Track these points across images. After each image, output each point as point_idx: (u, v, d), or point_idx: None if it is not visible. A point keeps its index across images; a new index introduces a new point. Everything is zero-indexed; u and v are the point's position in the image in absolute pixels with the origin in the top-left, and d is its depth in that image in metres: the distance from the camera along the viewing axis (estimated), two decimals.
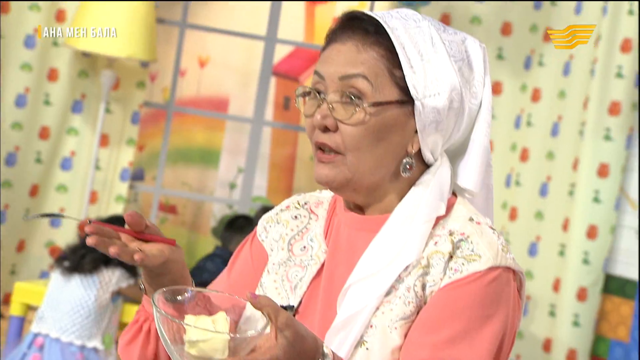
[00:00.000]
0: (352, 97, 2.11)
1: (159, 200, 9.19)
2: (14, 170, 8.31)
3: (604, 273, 8.09)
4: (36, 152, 8.39)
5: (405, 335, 2.08)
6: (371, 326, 2.09)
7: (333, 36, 2.16)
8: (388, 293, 2.10)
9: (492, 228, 2.15)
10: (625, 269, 8.09)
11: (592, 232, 8.03)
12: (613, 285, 8.11)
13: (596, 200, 8.04)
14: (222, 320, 1.93)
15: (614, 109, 8.01)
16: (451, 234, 2.13)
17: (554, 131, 8.37)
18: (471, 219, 2.16)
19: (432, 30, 2.16)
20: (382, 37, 2.12)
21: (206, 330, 1.89)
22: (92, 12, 7.94)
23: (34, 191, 8.41)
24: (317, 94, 2.14)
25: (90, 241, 2.02)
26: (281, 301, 2.23)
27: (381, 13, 2.16)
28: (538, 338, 8.33)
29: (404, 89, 2.12)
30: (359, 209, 2.21)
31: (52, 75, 8.36)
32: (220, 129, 10.51)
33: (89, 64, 8.39)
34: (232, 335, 1.89)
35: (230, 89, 10.39)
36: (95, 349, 5.96)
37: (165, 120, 8.98)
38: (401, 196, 2.18)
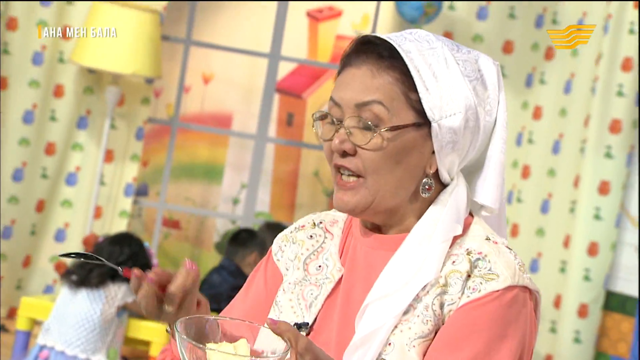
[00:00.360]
0: (368, 124, 2.10)
1: (162, 216, 9.21)
2: (21, 185, 8.35)
3: (604, 290, 8.13)
4: (42, 168, 8.42)
5: (424, 354, 2.08)
6: (389, 344, 2.09)
7: (347, 60, 2.16)
8: (406, 312, 2.10)
9: (508, 248, 2.15)
10: (626, 286, 8.12)
11: (592, 249, 8.07)
12: (614, 302, 8.14)
13: (597, 217, 8.09)
14: (243, 346, 1.92)
15: (614, 127, 8.05)
16: (469, 253, 2.12)
17: (555, 148, 8.40)
18: (488, 239, 2.16)
19: (445, 50, 2.16)
20: (397, 60, 2.12)
21: (229, 354, 1.88)
22: (101, 27, 7.96)
23: (40, 206, 8.44)
24: (332, 120, 2.13)
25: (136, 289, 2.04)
26: (296, 319, 2.23)
27: (395, 36, 2.16)
28: (540, 354, 8.31)
29: (420, 111, 2.12)
30: (377, 229, 2.21)
31: (58, 91, 8.40)
32: (224, 145, 10.52)
33: (94, 80, 8.42)
34: (254, 358, 1.89)
35: (233, 105, 10.43)
36: None
37: (170, 136, 9.03)
38: (419, 216, 2.18)
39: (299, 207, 10.56)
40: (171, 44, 8.91)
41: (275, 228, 7.40)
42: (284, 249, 2.34)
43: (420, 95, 2.09)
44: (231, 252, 7.42)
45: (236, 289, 8.34)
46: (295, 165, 10.66)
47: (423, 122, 2.10)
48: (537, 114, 8.55)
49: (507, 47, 8.65)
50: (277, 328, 1.89)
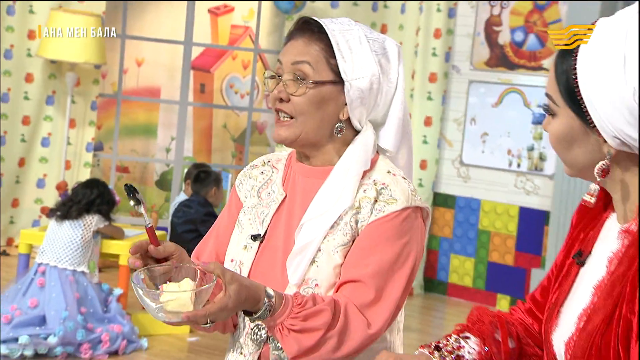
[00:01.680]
0: (299, 78, 2.09)
1: (115, 164, 9.14)
2: (5, 148, 8.27)
3: (432, 191, 8.35)
4: (21, 135, 8.34)
5: (344, 257, 2.07)
6: (319, 250, 2.07)
7: (291, 35, 2.16)
8: (332, 227, 2.07)
9: (404, 178, 2.13)
10: (447, 188, 8.37)
11: (423, 164, 8.31)
12: (439, 200, 8.40)
13: (425, 142, 8.30)
14: (186, 283, 1.87)
15: (432, 78, 8.26)
16: (375, 183, 2.10)
17: None
18: (389, 172, 2.13)
19: (360, 32, 2.13)
20: (324, 35, 2.10)
21: (173, 292, 1.85)
22: (57, 29, 7.85)
23: (21, 163, 8.38)
24: (278, 77, 2.12)
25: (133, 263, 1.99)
26: (253, 232, 2.19)
27: (325, 19, 2.15)
28: None
29: (337, 73, 2.10)
30: (307, 158, 2.19)
31: (29, 78, 8.33)
32: (156, 110, 10.37)
33: (56, 68, 8.37)
34: (192, 290, 1.85)
35: (160, 80, 10.14)
36: (82, 272, 5.86)
37: (116, 106, 8.99)
38: (338, 153, 2.15)
39: (214, 151, 10.44)
40: (111, 39, 8.73)
41: (200, 166, 7.43)
42: (243, 183, 2.29)
43: (338, 61, 2.09)
44: (196, 189, 7.27)
45: (206, 214, 8.13)
46: (208, 121, 10.52)
47: (338, 80, 2.09)
48: None
49: None
50: (207, 267, 1.90)
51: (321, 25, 2.10)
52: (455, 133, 8.32)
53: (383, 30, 8.49)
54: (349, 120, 2.13)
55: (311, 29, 2.12)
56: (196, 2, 8.95)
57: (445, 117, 8.34)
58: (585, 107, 1.59)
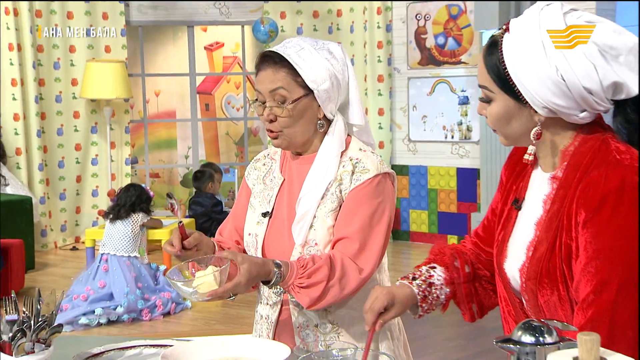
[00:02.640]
0: (280, 102, 1.99)
1: (148, 172, 9.18)
2: (64, 170, 8.38)
3: (390, 164, 8.23)
4: (75, 158, 8.43)
5: (335, 219, 2.00)
6: (315, 217, 2.00)
7: (258, 67, 2.04)
8: (322, 197, 2.00)
9: (372, 152, 2.04)
10: (401, 160, 8.34)
11: (381, 144, 8.27)
12: (396, 170, 7.68)
13: (380, 127, 8.30)
14: (209, 270, 1.82)
15: (380, 79, 8.21)
16: (351, 159, 2.01)
17: None
18: (360, 149, 2.04)
19: (309, 47, 2.00)
20: (284, 61, 1.99)
21: (200, 278, 1.81)
22: (95, 75, 7.99)
23: (78, 179, 8.46)
24: (262, 103, 2.02)
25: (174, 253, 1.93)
26: (263, 210, 2.11)
27: (279, 47, 2.03)
28: None
29: (305, 86, 1.99)
30: (299, 153, 2.10)
31: (76, 115, 8.39)
32: (174, 128, 10.39)
33: (95, 105, 8.41)
34: (214, 272, 1.79)
35: (175, 105, 10.25)
36: (135, 257, 5.84)
37: (143, 128, 9.07)
38: (320, 141, 2.06)
39: (222, 153, 10.39)
40: (134, 78, 8.79)
41: (210, 165, 7.42)
42: (250, 173, 2.21)
43: (303, 77, 1.98)
44: (197, 186, 7.31)
45: (214, 204, 8.04)
46: (214, 131, 10.48)
47: (309, 92, 2.00)
48: None
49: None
50: (222, 254, 1.85)
51: (280, 54, 2.01)
52: (402, 118, 8.32)
53: None
54: (324, 116, 2.06)
55: (273, 60, 2.01)
56: (195, 42, 8.88)
57: (393, 107, 8.35)
58: (517, 89, 1.52)
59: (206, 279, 1.79)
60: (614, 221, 1.43)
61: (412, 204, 8.39)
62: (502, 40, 1.54)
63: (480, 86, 1.59)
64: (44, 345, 1.67)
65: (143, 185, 6.48)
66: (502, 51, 1.53)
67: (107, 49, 8.40)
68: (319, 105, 2.03)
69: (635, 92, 1.51)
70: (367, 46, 8.29)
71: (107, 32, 8.38)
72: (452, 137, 8.05)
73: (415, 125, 8.29)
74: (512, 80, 1.52)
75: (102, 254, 5.84)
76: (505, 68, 1.52)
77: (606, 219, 1.44)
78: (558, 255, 1.51)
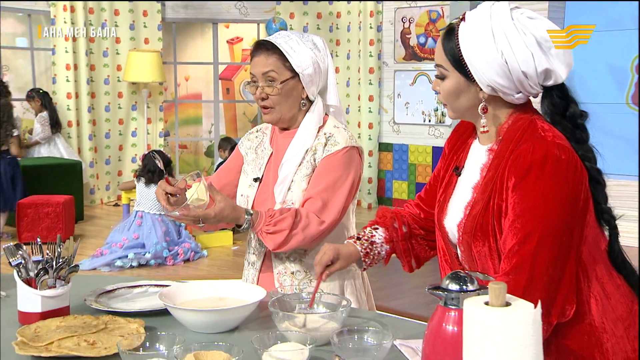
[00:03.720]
0: (270, 81, 1.96)
1: (178, 144, 9.24)
2: (110, 140, 8.38)
3: (378, 142, 8.30)
4: (118, 131, 8.43)
5: (308, 183, 1.96)
6: (292, 180, 1.97)
7: (253, 53, 1.99)
8: (300, 164, 1.97)
9: (345, 129, 2.01)
10: (387, 139, 8.30)
11: (370, 125, 8.27)
12: (382, 147, 8.34)
13: (370, 111, 8.26)
14: (198, 184, 1.80)
15: (371, 70, 8.14)
16: (325, 134, 1.98)
17: (348, 84, 8.37)
18: (335, 126, 2.00)
19: (296, 38, 1.97)
20: (275, 48, 1.95)
21: (192, 190, 1.79)
22: (135, 62, 8.00)
23: (120, 148, 8.47)
24: (254, 83, 1.98)
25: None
26: (254, 175, 2.07)
27: (271, 37, 1.99)
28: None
29: (292, 70, 1.95)
30: (285, 129, 2.07)
31: (120, 95, 8.38)
32: (200, 107, 10.40)
33: (135, 87, 8.40)
34: (204, 184, 1.77)
35: (201, 89, 10.21)
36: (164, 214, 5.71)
37: (174, 107, 9.09)
38: (302, 118, 2.02)
39: (239, 130, 10.37)
40: (168, 65, 8.76)
41: (228, 140, 7.28)
42: (244, 143, 2.16)
43: (290, 62, 1.95)
44: (221, 150, 7.05)
45: None
46: (233, 112, 10.49)
47: (295, 75, 1.96)
48: (337, 71, 8.31)
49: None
50: (211, 188, 1.84)
51: (272, 42, 1.97)
52: (389, 104, 8.28)
53: (337, 43, 8.39)
54: (307, 97, 2.02)
55: (266, 47, 1.97)
56: (218, 36, 8.84)
57: (382, 95, 8.30)
58: (468, 68, 1.50)
59: (192, 191, 1.78)
60: (537, 186, 1.43)
61: (395, 176, 8.37)
62: (458, 28, 1.52)
63: (436, 65, 1.57)
64: (63, 282, 1.67)
65: (162, 150, 6.41)
66: (458, 36, 1.51)
67: (146, 41, 8.42)
68: (303, 87, 1.99)
69: (562, 79, 1.51)
70: (361, 43, 8.24)
71: (146, 27, 8.40)
72: (430, 120, 7.99)
73: (399, 110, 8.24)
74: (464, 60, 1.50)
75: (137, 211, 5.82)
76: (460, 50, 1.51)
77: (531, 183, 1.43)
78: (490, 213, 1.50)
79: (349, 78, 8.41)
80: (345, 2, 8.34)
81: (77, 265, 1.70)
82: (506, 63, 1.48)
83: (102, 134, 8.34)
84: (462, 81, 1.53)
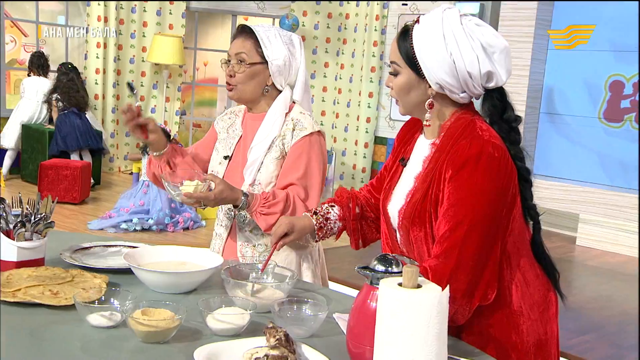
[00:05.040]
0: (240, 62, 1.94)
1: (192, 123, 9.16)
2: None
3: (374, 135, 8.22)
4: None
5: (276, 166, 1.94)
6: (262, 163, 1.95)
7: (235, 35, 1.98)
8: (269, 148, 1.95)
9: (310, 115, 1.99)
10: (383, 133, 8.22)
11: (369, 120, 8.16)
12: (378, 140, 8.26)
13: (369, 107, 8.16)
14: (195, 182, 1.80)
15: (372, 69, 8.07)
16: (292, 120, 1.96)
17: (351, 79, 8.26)
18: (301, 112, 1.98)
19: (275, 31, 1.96)
20: (253, 35, 1.94)
21: (186, 186, 1.79)
22: (159, 45, 7.95)
23: None
24: (228, 62, 1.96)
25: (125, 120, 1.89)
26: (225, 154, 2.05)
27: (253, 25, 1.98)
28: (348, 165, 8.28)
29: (263, 57, 1.94)
30: (250, 109, 2.03)
31: (143, 74, 8.35)
32: (215, 91, 10.36)
33: (158, 68, 8.35)
34: (197, 185, 1.79)
35: (218, 73, 10.08)
36: None
37: (191, 89, 8.98)
38: (268, 104, 2.00)
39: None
40: (188, 50, 8.70)
41: None
42: (219, 123, 2.13)
43: (263, 49, 1.94)
44: None
45: None
46: None
47: (264, 62, 1.94)
48: (342, 67, 8.34)
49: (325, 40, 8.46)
50: (207, 176, 1.83)
51: (251, 28, 1.96)
52: (387, 101, 8.21)
53: (344, 42, 8.32)
54: (273, 84, 1.98)
55: (246, 32, 1.96)
56: (237, 24, 8.78)
57: (381, 92, 8.22)
58: (420, 66, 1.50)
59: (188, 188, 1.78)
60: (471, 179, 1.43)
61: None
62: (412, 29, 1.53)
63: (391, 62, 1.57)
64: (40, 236, 1.68)
65: (161, 124, 6.26)
66: (412, 37, 1.52)
67: (170, 27, 8.38)
68: (270, 75, 1.97)
69: (502, 82, 1.52)
70: (366, 43, 8.18)
71: (171, 14, 8.35)
72: None
73: (395, 107, 7.75)
74: (417, 59, 1.50)
75: (143, 181, 5.80)
76: (413, 49, 1.51)
77: (466, 176, 1.44)
78: (429, 201, 1.50)
79: (352, 75, 8.35)
80: (354, 5, 8.27)
81: (52, 222, 1.70)
82: (454, 63, 1.48)
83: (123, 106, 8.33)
84: (413, 78, 1.53)
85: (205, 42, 9.81)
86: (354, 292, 1.85)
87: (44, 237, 1.69)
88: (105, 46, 8.02)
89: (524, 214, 1.53)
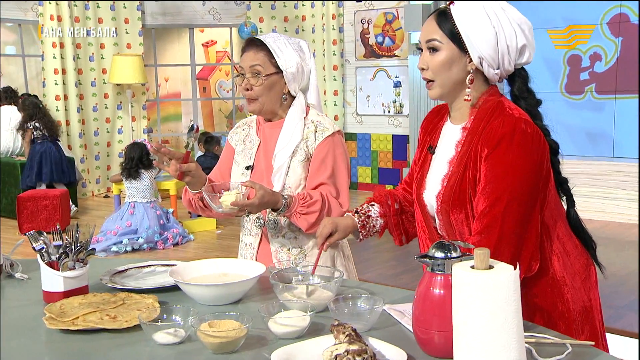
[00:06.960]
0: (256, 74, 1.94)
1: (161, 139, 9.18)
2: (99, 137, 8.27)
3: (343, 132, 8.34)
4: (106, 129, 8.33)
5: (303, 168, 1.95)
6: (289, 167, 1.95)
7: (244, 49, 1.98)
8: (294, 152, 1.96)
9: (326, 116, 2.03)
10: (351, 129, 8.29)
11: (336, 117, 8.25)
12: (347, 137, 8.28)
13: (335, 104, 8.26)
14: (234, 191, 1.81)
15: (335, 68, 8.16)
16: (312, 122, 1.97)
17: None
18: (318, 114, 2.00)
19: (284, 39, 1.96)
20: (264, 46, 1.94)
21: (226, 196, 1.80)
22: (119, 66, 7.88)
23: (108, 144, 8.37)
24: (242, 75, 1.97)
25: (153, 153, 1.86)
26: (246, 164, 2.05)
27: (261, 36, 1.98)
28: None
29: (277, 67, 1.94)
30: (269, 119, 2.05)
31: (106, 96, 8.29)
32: (179, 105, 10.29)
33: (120, 88, 8.31)
34: (237, 193, 1.79)
35: (180, 88, 10.12)
36: (154, 201, 5.61)
37: (156, 106, 9.01)
38: (285, 111, 2.01)
39: (216, 125, 10.27)
40: (149, 67, 8.70)
41: (205, 134, 7.05)
42: (233, 137, 2.13)
43: (276, 59, 1.94)
44: (207, 147, 6.77)
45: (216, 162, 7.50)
46: (210, 108, 10.37)
47: (279, 71, 1.95)
48: None
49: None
50: (246, 183, 1.83)
51: (261, 40, 1.96)
52: (352, 97, 8.27)
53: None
54: (289, 92, 2.00)
55: (256, 44, 1.96)
56: (194, 40, 8.80)
57: (345, 89, 8.30)
58: (463, 40, 1.51)
59: (230, 197, 1.79)
60: (507, 155, 1.45)
61: (359, 162, 8.37)
62: (450, 8, 1.55)
63: (427, 41, 1.55)
64: (82, 264, 1.66)
65: (143, 140, 6.13)
66: (452, 16, 1.53)
67: (129, 46, 8.33)
68: (286, 83, 1.98)
69: (531, 58, 1.56)
70: (325, 43, 8.23)
71: (128, 33, 8.30)
72: (389, 111, 8.01)
73: (361, 102, 8.25)
74: (460, 33, 1.52)
75: (129, 202, 5.69)
76: (456, 26, 1.52)
77: (501, 153, 1.45)
78: (467, 182, 1.51)
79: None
80: (310, 6, 8.29)
81: (93, 249, 1.68)
82: (496, 36, 1.51)
83: (91, 132, 8.25)
84: (455, 52, 1.53)
85: (164, 57, 9.77)
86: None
87: (86, 264, 1.67)
88: (64, 72, 7.92)
89: (557, 187, 1.56)
